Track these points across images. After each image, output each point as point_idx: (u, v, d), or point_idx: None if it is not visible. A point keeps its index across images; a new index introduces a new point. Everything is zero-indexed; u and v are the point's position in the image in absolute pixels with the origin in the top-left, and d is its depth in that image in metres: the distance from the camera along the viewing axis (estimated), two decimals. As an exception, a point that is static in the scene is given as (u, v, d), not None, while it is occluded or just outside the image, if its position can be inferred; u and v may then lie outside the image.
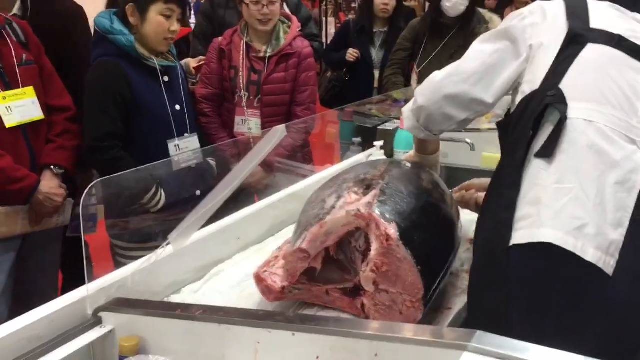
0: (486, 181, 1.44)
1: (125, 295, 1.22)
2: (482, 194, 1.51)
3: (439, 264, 1.22)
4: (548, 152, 1.13)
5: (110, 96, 2.02)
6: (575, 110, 1.15)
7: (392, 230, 1.12)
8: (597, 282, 1.06)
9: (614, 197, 1.10)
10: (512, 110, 1.28)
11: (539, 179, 1.13)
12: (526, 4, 5.37)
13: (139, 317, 1.12)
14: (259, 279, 1.28)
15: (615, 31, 1.24)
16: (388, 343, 0.92)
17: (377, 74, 3.58)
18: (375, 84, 3.60)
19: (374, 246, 1.14)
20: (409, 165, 1.51)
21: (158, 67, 2.08)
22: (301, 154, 2.52)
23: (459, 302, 1.35)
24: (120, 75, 2.01)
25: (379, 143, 2.19)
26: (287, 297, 1.28)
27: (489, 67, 1.30)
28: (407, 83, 3.34)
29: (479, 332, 0.88)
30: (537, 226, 1.09)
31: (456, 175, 2.23)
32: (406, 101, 2.95)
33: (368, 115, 2.67)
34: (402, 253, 1.11)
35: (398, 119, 2.39)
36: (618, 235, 1.07)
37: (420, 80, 3.21)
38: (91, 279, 1.21)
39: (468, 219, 1.64)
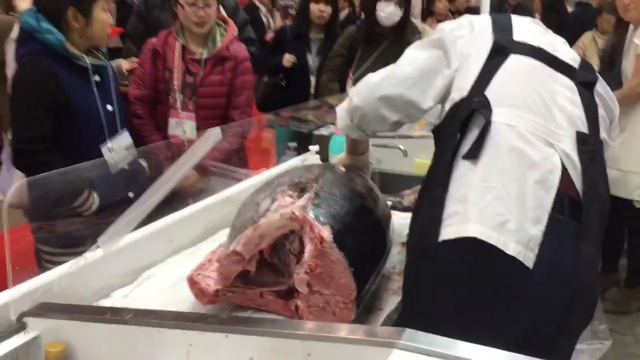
0: None
1: (51, 300, 1.18)
2: None
3: (371, 266, 1.25)
4: (474, 153, 1.19)
5: (39, 97, 1.94)
6: (498, 115, 1.22)
7: (326, 233, 1.14)
8: (518, 275, 1.12)
9: (533, 195, 1.16)
10: (442, 118, 1.34)
11: (466, 179, 1.19)
12: (446, 16, 5.62)
13: (66, 322, 1.09)
14: (192, 282, 1.27)
15: (536, 44, 1.34)
16: (320, 342, 0.93)
17: (313, 79, 3.62)
18: (312, 90, 3.63)
19: (308, 248, 1.15)
20: (342, 169, 1.53)
21: (89, 67, 2.02)
22: (236, 158, 2.51)
23: (390, 302, 1.38)
24: (50, 75, 1.93)
25: (314, 148, 2.20)
26: (220, 299, 1.27)
27: (423, 73, 1.35)
28: (343, 89, 3.38)
29: (408, 330, 0.90)
30: (464, 222, 1.14)
31: (390, 180, 2.29)
32: (341, 106, 3.02)
33: (304, 120, 2.69)
34: (336, 255, 1.13)
35: (333, 124, 2.43)
36: (537, 231, 1.14)
37: (355, 87, 3.27)
38: (14, 283, 1.17)
39: (400, 222, 1.68)
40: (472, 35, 1.36)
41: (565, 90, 1.30)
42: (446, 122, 1.30)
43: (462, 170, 1.20)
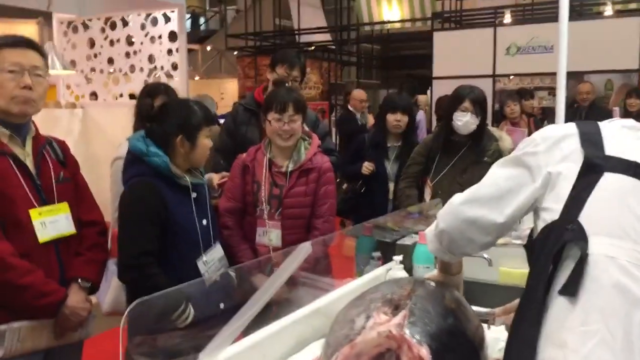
0: None
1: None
2: None
3: (470, 385, 1.23)
4: (571, 290, 1.13)
5: (147, 214, 2.12)
6: (596, 246, 1.15)
7: (424, 352, 1.15)
8: None
9: None
10: (535, 235, 1.32)
11: (564, 320, 1.12)
12: (521, 118, 5.63)
13: None
14: (290, 400, 1.29)
15: (632, 158, 1.26)
16: None
17: (391, 186, 3.70)
18: (390, 196, 3.71)
19: (407, 368, 1.16)
20: (432, 284, 1.55)
21: (189, 186, 2.18)
22: (321, 267, 2.57)
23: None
24: (156, 195, 2.12)
25: (398, 257, 2.23)
26: (319, 419, 1.28)
27: (504, 192, 1.34)
28: (421, 196, 3.44)
29: None
30: None
31: (474, 289, 2.26)
32: (420, 214, 3.05)
33: (386, 228, 2.74)
34: (435, 375, 1.13)
35: (416, 232, 2.46)
36: None
37: (433, 194, 3.32)
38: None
39: (492, 337, 1.65)
40: (559, 149, 1.30)
41: None
42: (538, 247, 1.25)
43: (558, 309, 1.14)
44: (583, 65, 6.88)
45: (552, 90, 6.99)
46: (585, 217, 1.19)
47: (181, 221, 2.14)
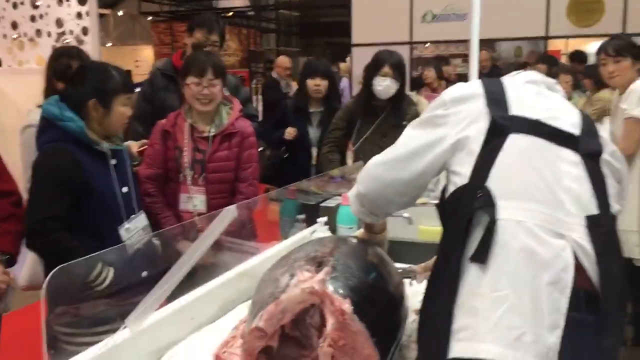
0: None
1: (82, 383, 1.22)
2: None
3: (392, 335, 1.30)
4: (481, 257, 1.15)
5: (58, 181, 2.04)
6: (503, 210, 1.17)
7: (347, 305, 1.19)
8: None
9: (548, 299, 1.11)
10: (445, 197, 1.34)
11: (475, 287, 1.15)
12: (438, 84, 5.81)
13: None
14: (218, 360, 1.31)
15: (534, 116, 1.29)
16: None
17: (314, 151, 3.74)
18: (313, 161, 3.75)
19: (330, 321, 1.20)
20: (355, 241, 1.60)
21: (107, 152, 2.12)
22: (246, 231, 2.58)
23: (409, 371, 1.42)
24: (70, 160, 2.04)
25: (322, 219, 2.28)
26: (246, 375, 1.31)
27: (415, 154, 1.35)
28: (343, 160, 3.49)
29: None
30: (477, 340, 1.11)
31: (395, 247, 2.35)
32: (342, 178, 3.11)
33: (310, 192, 2.78)
34: (357, 327, 1.18)
35: (339, 195, 2.51)
36: (555, 338, 1.10)
37: (355, 158, 3.39)
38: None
39: (414, 290, 1.73)
40: (467, 110, 1.32)
41: (571, 167, 1.25)
42: (449, 211, 1.27)
43: (470, 277, 1.16)
44: (495, 33, 7.13)
45: (465, 58, 7.22)
46: (493, 181, 1.21)
47: (100, 188, 2.08)
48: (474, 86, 1.37)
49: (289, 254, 1.53)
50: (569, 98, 4.37)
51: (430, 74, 6.04)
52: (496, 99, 1.32)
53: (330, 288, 1.24)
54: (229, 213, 1.68)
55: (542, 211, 1.18)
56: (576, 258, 1.16)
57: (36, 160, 2.09)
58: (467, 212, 1.20)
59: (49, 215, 2.03)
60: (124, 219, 2.14)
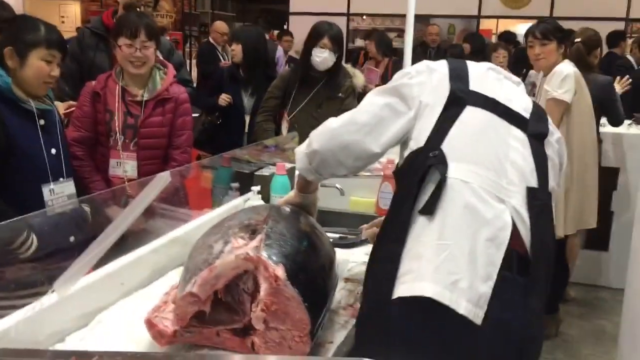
0: None
1: (8, 346, 1.19)
2: None
3: (323, 300, 1.34)
4: (429, 209, 1.24)
5: None
6: (454, 171, 1.27)
7: (280, 271, 1.22)
8: (468, 333, 1.17)
9: (484, 253, 1.21)
10: (400, 163, 1.41)
11: (423, 236, 1.23)
12: (378, 62, 5.85)
13: (28, 367, 1.11)
14: (150, 324, 1.31)
15: (491, 95, 1.39)
16: None
17: (247, 119, 3.73)
18: (246, 129, 3.73)
19: (263, 287, 1.23)
20: (288, 209, 1.62)
21: (35, 111, 2.03)
22: (179, 198, 2.55)
23: (340, 336, 1.47)
24: None
25: (256, 188, 2.29)
26: (178, 340, 1.32)
27: (379, 120, 1.40)
28: (278, 130, 3.50)
29: None
30: (419, 280, 1.19)
31: (327, 217, 2.40)
32: (276, 147, 3.12)
33: (245, 161, 2.77)
34: (290, 292, 1.21)
35: (273, 164, 2.52)
36: (487, 288, 1.19)
37: (290, 128, 3.40)
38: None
39: (343, 259, 1.79)
40: (430, 82, 1.40)
41: (518, 144, 1.35)
42: (403, 171, 1.36)
43: (419, 227, 1.24)
44: (430, 10, 7.25)
45: (401, 32, 7.30)
46: (447, 146, 1.30)
47: (25, 148, 2.00)
48: (441, 63, 1.45)
49: (222, 221, 1.54)
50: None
51: (369, 46, 6.07)
52: (459, 75, 1.41)
53: (264, 255, 1.26)
54: (162, 179, 1.66)
55: (488, 176, 1.28)
56: (513, 223, 1.25)
57: None
58: (421, 169, 1.28)
59: None
60: (50, 181, 2.07)
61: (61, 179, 2.12)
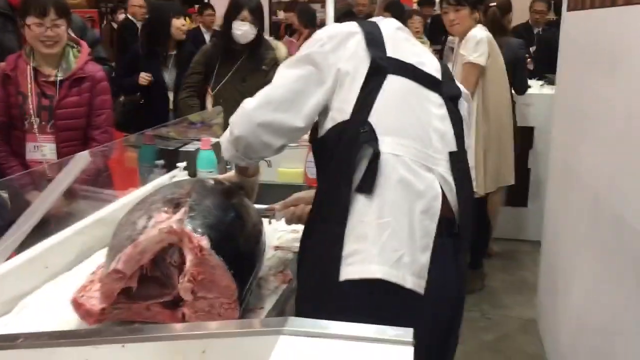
0: (311, 194, 1.53)
1: None
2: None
3: (249, 267, 1.37)
4: (367, 188, 1.26)
5: None
6: (385, 145, 1.28)
7: (204, 242, 1.24)
8: (414, 303, 1.25)
9: (420, 225, 1.27)
10: (321, 133, 1.38)
11: (364, 215, 1.26)
12: (300, 33, 5.82)
13: (-49, 355, 1.09)
14: (77, 304, 1.31)
15: (408, 60, 1.39)
16: (213, 339, 1.02)
17: (171, 95, 3.66)
18: (171, 106, 3.67)
19: (189, 258, 1.24)
20: (212, 181, 1.62)
21: None
22: (101, 179, 2.50)
23: (270, 301, 1.51)
24: None
25: (182, 164, 2.28)
26: (107, 317, 1.32)
27: (296, 94, 1.35)
28: (203, 105, 3.46)
29: (291, 318, 1.02)
30: (367, 263, 1.23)
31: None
32: (202, 123, 3.09)
33: (169, 138, 2.74)
34: (215, 261, 1.23)
35: (198, 140, 2.51)
36: (426, 258, 1.26)
37: (215, 103, 3.37)
38: None
39: (272, 228, 1.82)
40: (345, 49, 1.36)
41: (437, 109, 1.39)
42: (330, 145, 1.33)
43: (359, 205, 1.26)
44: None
45: (323, 3, 7.29)
46: (374, 118, 1.30)
47: None
48: (351, 25, 1.41)
49: (145, 197, 1.53)
50: (421, 38, 4.61)
51: (293, 18, 6.03)
52: (375, 40, 1.39)
53: (188, 227, 1.28)
54: (82, 159, 1.65)
55: (415, 147, 1.31)
56: (442, 190, 1.32)
57: None
58: (353, 146, 1.28)
59: None
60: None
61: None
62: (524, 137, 3.94)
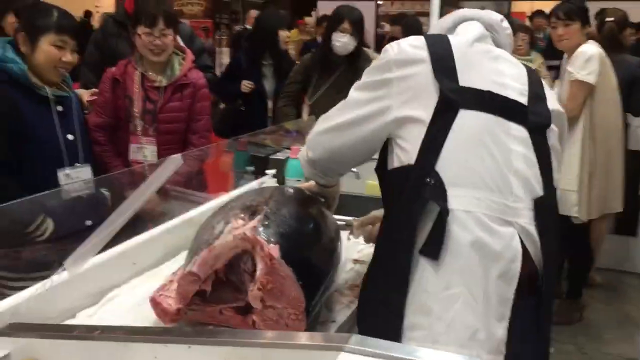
0: None
1: (19, 321, 1.25)
2: None
3: (319, 280, 1.36)
4: (433, 253, 1.13)
5: None
6: (455, 200, 1.14)
7: (275, 251, 1.25)
8: None
9: (497, 292, 1.13)
10: (388, 166, 1.30)
11: (428, 285, 1.13)
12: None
13: (36, 340, 1.16)
14: (155, 303, 1.36)
15: (484, 86, 1.23)
16: (276, 349, 1.03)
17: (270, 104, 3.76)
18: (269, 114, 3.77)
19: (260, 266, 1.26)
20: (291, 190, 1.63)
21: (51, 97, 2.10)
22: (196, 182, 2.61)
23: (342, 315, 1.49)
24: (6, 103, 2.02)
25: (271, 172, 2.32)
26: (182, 318, 1.36)
27: (358, 122, 1.31)
28: (299, 114, 3.52)
29: (355, 335, 1.00)
30: (431, 341, 1.11)
31: (342, 201, 2.42)
32: (298, 132, 3.15)
33: (261, 145, 2.81)
34: (285, 271, 1.24)
35: (289, 148, 2.55)
36: (502, 329, 1.13)
37: (311, 112, 3.42)
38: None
39: (354, 241, 1.79)
40: (412, 77, 1.24)
41: (519, 146, 1.23)
42: (394, 190, 1.23)
43: (421, 271, 1.14)
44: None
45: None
46: (442, 165, 1.17)
47: (40, 134, 2.07)
48: (419, 47, 1.27)
49: (227, 203, 1.57)
50: (527, 55, 4.43)
51: (398, 32, 6.00)
52: (444, 67, 1.24)
53: (261, 235, 1.29)
54: (174, 162, 1.70)
55: (491, 199, 1.17)
56: (523, 246, 1.17)
57: None
58: (416, 201, 1.16)
59: None
60: (67, 167, 2.14)
61: (77, 165, 2.19)
62: (635, 162, 3.67)
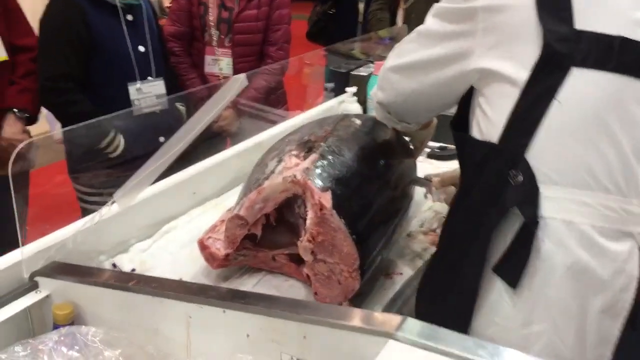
0: None
1: (67, 257, 1.20)
2: None
3: (379, 233, 1.18)
4: (512, 279, 0.85)
5: (65, 35, 1.94)
6: (549, 204, 0.84)
7: (327, 199, 1.08)
8: None
9: (596, 329, 0.87)
10: (470, 128, 0.99)
11: (502, 316, 0.88)
12: None
13: (74, 284, 1.11)
14: (202, 246, 1.25)
15: (613, 28, 0.84)
16: (316, 326, 0.90)
17: (361, 7, 3.46)
18: (360, 18, 3.48)
19: (309, 215, 1.10)
20: (358, 122, 1.39)
21: (120, 5, 1.97)
22: (274, 97, 2.46)
23: (412, 266, 1.33)
24: (77, 13, 1.93)
25: (351, 89, 2.11)
26: (231, 263, 1.26)
27: (432, 65, 1.03)
28: (393, 20, 3.21)
29: (408, 319, 0.84)
30: None
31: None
32: (391, 39, 2.86)
33: (348, 55, 2.57)
34: (336, 223, 1.07)
35: (372, 62, 2.31)
36: None
37: (406, 17, 3.10)
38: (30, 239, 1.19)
39: (437, 209, 1.54)
40: (505, 14, 0.89)
41: None
42: (468, 174, 0.96)
43: (495, 296, 0.87)
44: None
45: None
46: (537, 152, 0.85)
47: (108, 45, 1.97)
48: None
49: (287, 135, 1.41)
50: None
51: None
52: (553, 1, 0.87)
53: (312, 179, 1.12)
54: (238, 81, 1.54)
55: (606, 204, 0.85)
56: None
57: (44, 12, 1.99)
58: (494, 204, 0.86)
59: (61, 73, 1.96)
60: (138, 80, 2.05)
61: (149, 78, 2.09)
62: None
